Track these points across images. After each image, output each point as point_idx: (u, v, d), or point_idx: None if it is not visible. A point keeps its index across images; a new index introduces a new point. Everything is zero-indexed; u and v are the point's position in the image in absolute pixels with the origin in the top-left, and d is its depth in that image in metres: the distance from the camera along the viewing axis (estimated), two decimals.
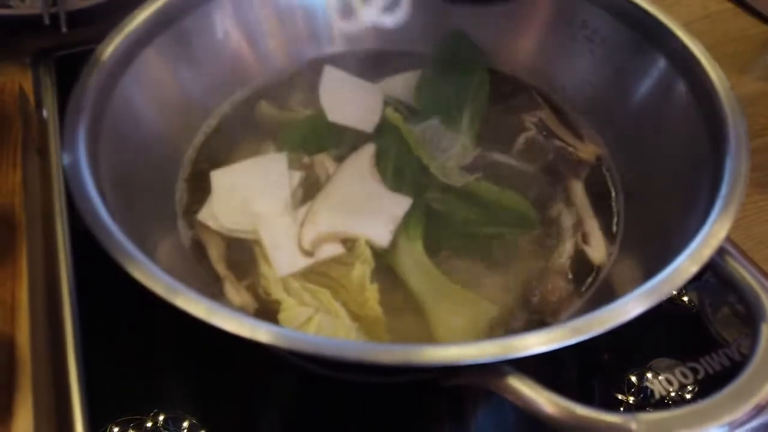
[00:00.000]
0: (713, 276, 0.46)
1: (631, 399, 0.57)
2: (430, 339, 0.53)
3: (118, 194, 0.50)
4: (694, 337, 0.61)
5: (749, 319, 0.41)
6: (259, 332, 0.38)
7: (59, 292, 0.61)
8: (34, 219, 0.66)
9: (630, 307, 0.40)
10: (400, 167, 0.63)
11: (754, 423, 0.51)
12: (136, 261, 0.42)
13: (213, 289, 0.55)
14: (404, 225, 0.58)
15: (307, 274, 0.56)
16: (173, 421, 0.53)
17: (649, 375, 0.58)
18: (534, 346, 0.37)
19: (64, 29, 0.81)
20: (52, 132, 0.76)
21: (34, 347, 0.55)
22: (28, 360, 0.54)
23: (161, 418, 0.53)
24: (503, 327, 0.54)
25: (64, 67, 0.84)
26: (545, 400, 0.37)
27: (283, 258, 0.56)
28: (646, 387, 0.58)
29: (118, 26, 0.57)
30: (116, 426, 0.53)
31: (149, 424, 0.53)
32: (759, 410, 0.37)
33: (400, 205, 0.59)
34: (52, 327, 0.59)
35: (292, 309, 0.52)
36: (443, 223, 0.60)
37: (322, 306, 0.53)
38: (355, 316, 0.53)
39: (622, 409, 0.56)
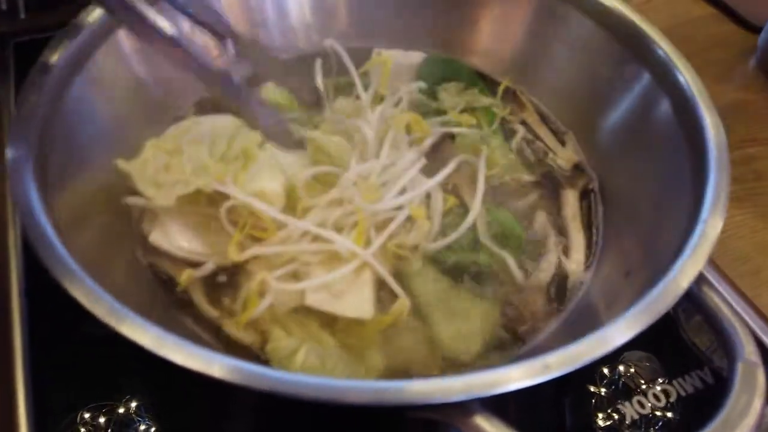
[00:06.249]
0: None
1: (603, 390, 0.56)
2: (431, 352, 0.51)
3: (68, 203, 0.47)
4: (666, 331, 0.61)
5: (726, 356, 0.40)
6: (213, 367, 0.36)
7: (9, 293, 0.58)
8: None
9: (602, 343, 0.38)
10: None
11: None
12: (70, 272, 0.39)
13: (173, 313, 0.52)
14: None
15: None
16: (145, 408, 0.53)
17: (621, 368, 0.58)
18: (502, 384, 0.35)
19: (22, 15, 0.78)
20: (7, 124, 0.72)
21: None
22: None
23: (133, 404, 0.53)
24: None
25: (22, 53, 0.79)
26: None
27: (285, 293, 0.52)
28: (617, 379, 0.57)
29: (72, 23, 0.54)
30: (87, 412, 0.52)
31: (121, 410, 0.53)
32: None
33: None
34: None
35: (280, 340, 0.50)
36: None
37: (310, 336, 0.51)
38: (345, 344, 0.51)
39: (593, 401, 0.56)
